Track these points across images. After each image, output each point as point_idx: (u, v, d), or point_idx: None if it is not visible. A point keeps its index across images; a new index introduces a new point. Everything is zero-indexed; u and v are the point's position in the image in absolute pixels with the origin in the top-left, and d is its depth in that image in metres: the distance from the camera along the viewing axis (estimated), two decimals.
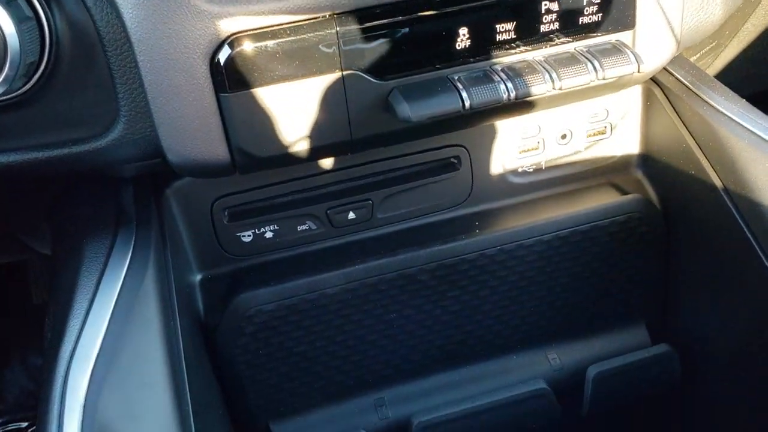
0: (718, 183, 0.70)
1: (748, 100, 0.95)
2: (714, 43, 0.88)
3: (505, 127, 0.75)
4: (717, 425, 0.79)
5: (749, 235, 0.68)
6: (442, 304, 0.75)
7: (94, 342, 0.56)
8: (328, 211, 0.73)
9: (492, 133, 0.75)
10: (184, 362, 0.59)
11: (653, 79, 0.76)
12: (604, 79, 0.61)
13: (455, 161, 0.75)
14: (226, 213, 0.71)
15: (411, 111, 0.58)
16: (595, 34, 0.63)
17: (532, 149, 0.77)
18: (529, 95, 0.60)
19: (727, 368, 0.76)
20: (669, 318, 0.81)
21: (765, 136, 0.68)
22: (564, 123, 0.76)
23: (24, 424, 0.41)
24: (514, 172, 0.77)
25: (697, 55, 0.88)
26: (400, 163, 0.74)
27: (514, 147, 0.76)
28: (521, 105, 0.62)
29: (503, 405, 0.74)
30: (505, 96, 0.60)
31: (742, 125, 0.69)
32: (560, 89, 0.61)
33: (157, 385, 0.56)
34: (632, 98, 0.77)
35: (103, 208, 0.67)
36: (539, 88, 0.60)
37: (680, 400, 0.81)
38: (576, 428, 0.81)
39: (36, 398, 1.43)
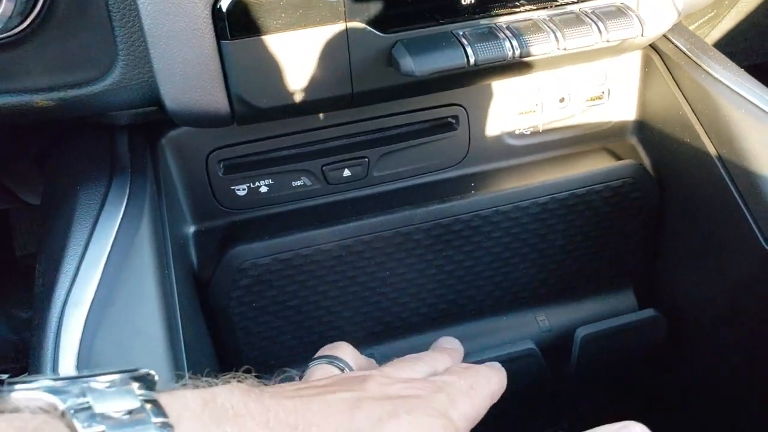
0: (712, 151, 0.71)
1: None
2: (713, 13, 0.88)
3: (504, 87, 0.74)
4: (699, 387, 0.80)
5: (741, 205, 0.68)
6: (435, 264, 0.75)
7: (88, 288, 0.56)
8: (324, 168, 0.72)
9: (491, 94, 0.74)
10: (178, 312, 0.59)
11: (652, 46, 0.76)
12: (607, 41, 0.61)
13: (453, 121, 0.75)
14: (221, 165, 0.70)
15: (415, 65, 0.58)
16: None
17: (530, 111, 0.77)
18: (533, 54, 0.60)
19: (711, 333, 0.77)
20: (657, 284, 0.82)
21: (762, 105, 0.69)
22: (563, 86, 0.76)
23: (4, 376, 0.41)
24: (512, 134, 0.77)
25: (695, 25, 0.88)
26: (398, 122, 0.73)
27: (513, 108, 0.76)
28: (524, 64, 0.62)
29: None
30: (509, 53, 0.59)
31: (739, 94, 0.70)
32: (564, 49, 0.60)
33: (152, 333, 0.55)
34: (631, 64, 0.77)
35: (98, 156, 0.66)
36: (544, 47, 0.60)
37: (664, 363, 0.83)
38: (563, 388, 0.82)
39: (18, 350, 1.42)
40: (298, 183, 0.73)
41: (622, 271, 0.81)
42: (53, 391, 0.36)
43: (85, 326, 0.54)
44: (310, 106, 0.62)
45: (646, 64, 0.77)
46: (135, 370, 0.40)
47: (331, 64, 0.59)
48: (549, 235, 0.77)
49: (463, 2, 0.60)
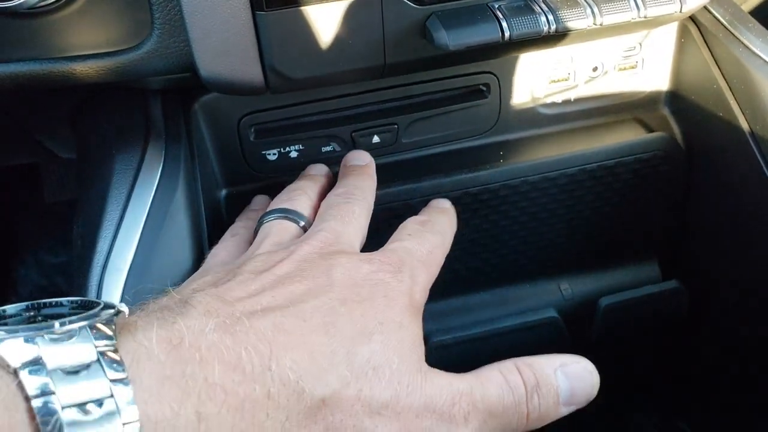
0: (745, 127, 0.70)
1: None
2: None
3: (537, 56, 0.74)
4: (718, 361, 0.82)
5: None
6: (462, 231, 0.76)
7: (126, 255, 0.57)
8: (353, 134, 0.73)
9: (523, 62, 0.74)
10: None
11: (690, 16, 0.75)
12: (645, 17, 0.60)
13: (484, 89, 0.74)
14: (252, 130, 0.71)
15: (449, 38, 0.58)
16: None
17: (562, 80, 0.76)
18: (570, 29, 0.59)
19: (732, 309, 0.78)
20: (681, 256, 0.82)
21: None
22: (596, 55, 0.75)
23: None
24: (543, 103, 0.77)
25: None
26: (428, 89, 0.73)
27: (545, 76, 0.75)
28: (558, 38, 0.61)
29: (514, 330, 0.77)
30: (545, 28, 0.59)
31: None
32: (601, 24, 0.60)
33: None
34: (667, 34, 0.76)
35: (132, 119, 0.67)
36: (580, 22, 0.59)
37: (685, 335, 0.84)
38: (584, 356, 0.84)
39: (49, 294, 1.47)
40: (328, 148, 0.73)
41: (648, 242, 0.82)
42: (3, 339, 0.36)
43: (123, 292, 0.56)
44: (343, 76, 0.62)
45: (683, 34, 0.76)
46: (96, 307, 0.40)
47: (364, 36, 0.59)
48: (576, 205, 0.77)
49: None
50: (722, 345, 0.80)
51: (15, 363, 0.36)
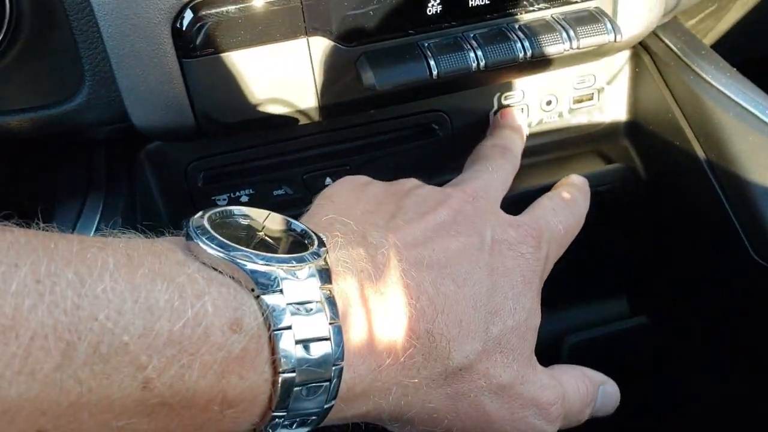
0: (701, 156, 0.68)
1: (755, 64, 0.92)
2: (715, 6, 0.84)
3: (487, 92, 0.73)
4: (688, 398, 0.78)
5: (730, 213, 0.66)
6: None
7: None
8: (305, 176, 0.72)
9: (474, 99, 0.73)
10: None
11: (643, 45, 0.74)
12: (578, 48, 0.60)
13: (436, 127, 0.74)
14: (201, 176, 0.70)
15: (377, 79, 0.57)
16: (573, 1, 0.61)
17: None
18: (500, 64, 0.59)
19: (705, 341, 0.75)
20: (649, 291, 0.80)
21: (751, 108, 0.66)
22: (549, 88, 0.74)
23: None
24: None
25: (696, 19, 0.84)
26: (379, 129, 0.73)
27: (497, 113, 0.74)
28: (489, 74, 0.61)
29: None
30: (474, 64, 0.58)
31: (728, 97, 0.67)
32: (531, 58, 0.59)
33: None
34: (621, 64, 0.75)
35: (76, 172, 0.67)
36: (510, 57, 0.59)
37: (655, 371, 0.81)
38: None
39: None
40: (280, 192, 0.73)
41: (615, 277, 0.80)
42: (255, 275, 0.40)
43: None
44: (278, 120, 0.61)
45: (636, 63, 0.75)
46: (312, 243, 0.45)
47: (295, 79, 0.59)
48: None
49: (428, 12, 0.59)
50: (692, 383, 0.77)
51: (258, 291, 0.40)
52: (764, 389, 0.71)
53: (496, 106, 0.74)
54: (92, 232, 0.61)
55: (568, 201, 0.64)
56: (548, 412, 0.54)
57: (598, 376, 0.62)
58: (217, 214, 0.45)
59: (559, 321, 0.79)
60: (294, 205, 0.74)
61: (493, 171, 0.63)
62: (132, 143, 0.69)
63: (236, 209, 0.47)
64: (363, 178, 0.62)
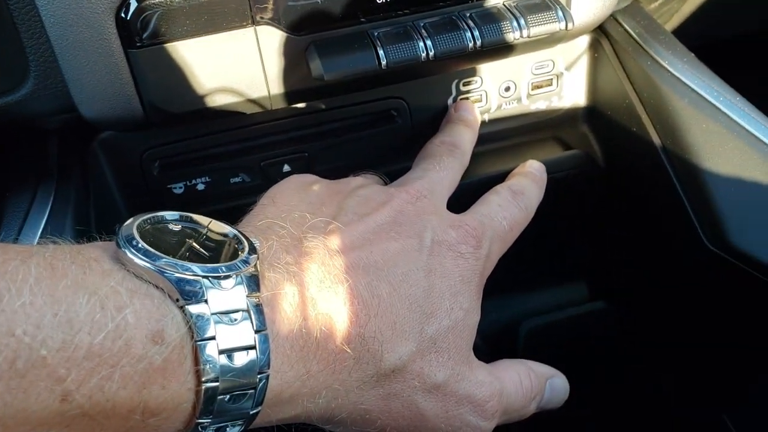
0: (657, 142, 0.68)
1: (721, 45, 0.92)
2: None
3: (445, 79, 0.72)
4: (651, 382, 0.79)
5: (684, 200, 0.66)
6: None
7: None
8: (262, 164, 0.72)
9: (432, 85, 0.73)
10: None
11: (602, 29, 0.74)
12: (529, 37, 0.59)
13: (394, 113, 0.73)
14: (156, 164, 0.70)
15: (324, 68, 0.57)
16: None
17: (475, 101, 0.75)
18: (449, 54, 0.58)
19: (661, 325, 0.76)
20: (608, 275, 0.80)
21: (706, 95, 0.66)
22: (507, 74, 0.74)
23: None
24: None
25: (659, 1, 0.84)
26: (337, 115, 0.72)
27: (456, 99, 0.74)
28: (439, 64, 0.60)
29: None
30: (423, 54, 0.58)
31: (684, 83, 0.67)
32: (481, 47, 0.58)
33: None
34: (580, 49, 0.74)
35: (27, 162, 0.66)
36: (460, 46, 0.58)
37: (613, 356, 0.82)
38: None
39: None
40: (237, 179, 0.72)
41: (574, 262, 0.80)
42: (180, 284, 0.40)
43: None
44: (228, 109, 0.61)
45: (596, 49, 0.74)
46: (243, 249, 0.45)
47: (244, 68, 0.58)
48: None
49: (378, 0, 0.58)
50: (649, 366, 0.78)
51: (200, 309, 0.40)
52: (719, 372, 0.72)
53: (454, 93, 0.73)
54: (42, 223, 0.61)
55: (516, 194, 0.64)
56: (483, 409, 0.54)
57: (545, 370, 0.62)
58: (148, 221, 0.45)
59: (517, 306, 0.80)
60: (252, 193, 0.73)
61: (441, 170, 0.63)
62: (85, 132, 0.68)
63: (168, 214, 0.47)
64: (309, 177, 0.62)
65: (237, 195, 0.73)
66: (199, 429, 0.40)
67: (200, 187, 0.72)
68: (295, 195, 0.57)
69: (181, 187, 0.71)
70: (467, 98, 0.74)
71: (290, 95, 0.61)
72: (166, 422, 0.39)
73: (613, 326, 0.79)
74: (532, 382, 0.59)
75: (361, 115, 0.73)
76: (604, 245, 0.80)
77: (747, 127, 0.64)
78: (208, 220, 0.48)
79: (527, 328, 0.76)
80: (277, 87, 0.60)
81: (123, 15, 0.54)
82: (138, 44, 0.56)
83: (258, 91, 0.60)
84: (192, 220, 0.47)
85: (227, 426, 0.41)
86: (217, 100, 0.60)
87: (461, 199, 0.64)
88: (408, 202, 0.57)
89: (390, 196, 0.57)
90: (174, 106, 0.59)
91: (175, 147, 0.70)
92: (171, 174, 0.70)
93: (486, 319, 0.80)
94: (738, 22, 0.99)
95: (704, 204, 0.64)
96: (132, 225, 0.43)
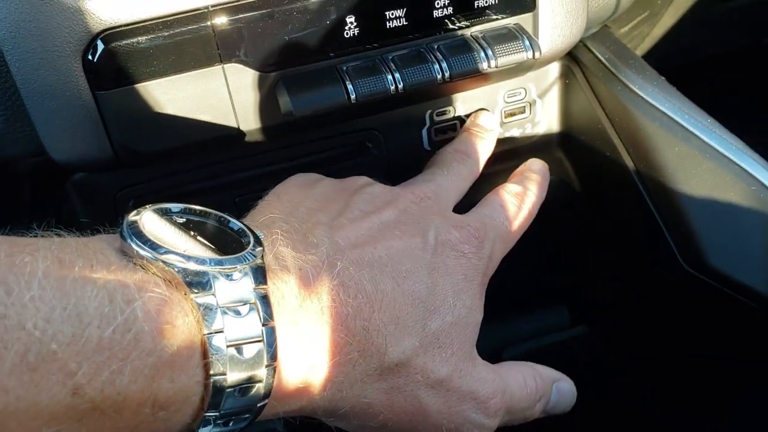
0: (630, 166, 0.69)
1: (690, 68, 0.93)
2: (647, 13, 0.85)
3: (418, 109, 0.73)
4: (634, 405, 0.79)
5: (660, 223, 0.66)
6: None
7: None
8: (237, 200, 0.72)
9: (405, 116, 0.73)
10: None
11: (572, 56, 0.74)
12: (497, 67, 0.59)
13: (369, 145, 0.73)
14: (131, 204, 0.69)
15: (293, 104, 0.57)
16: (493, 18, 0.61)
17: (450, 131, 0.75)
18: (418, 86, 0.59)
19: (643, 348, 0.75)
20: (589, 299, 0.80)
21: (677, 118, 0.67)
22: (480, 103, 0.74)
23: None
24: (431, 154, 0.75)
25: (629, 26, 0.85)
26: (311, 149, 0.72)
27: (431, 129, 0.74)
28: (407, 97, 0.60)
29: None
30: (392, 87, 0.58)
31: (655, 107, 0.68)
32: (450, 79, 0.59)
33: None
34: (551, 76, 0.75)
35: (1, 205, 0.66)
36: (428, 78, 0.59)
37: (597, 381, 0.81)
38: None
39: None
40: None
41: (555, 288, 0.80)
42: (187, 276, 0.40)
43: None
44: (198, 147, 0.61)
45: (567, 75, 0.75)
46: (247, 242, 0.45)
47: (213, 106, 0.58)
48: None
49: (346, 36, 0.58)
50: (633, 392, 0.78)
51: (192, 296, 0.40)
52: (704, 388, 0.72)
53: (428, 122, 0.74)
54: None
55: (518, 195, 0.64)
56: (486, 406, 0.54)
57: (551, 373, 0.62)
58: (154, 212, 0.45)
59: (499, 333, 0.79)
60: None
61: (448, 175, 0.64)
62: (58, 174, 0.67)
63: (173, 206, 0.47)
64: (314, 175, 0.63)
65: None
66: (208, 422, 0.40)
67: None
68: (300, 192, 0.58)
69: None
70: (441, 127, 0.74)
71: (261, 132, 0.61)
72: (176, 415, 0.39)
73: (596, 351, 0.78)
74: (537, 383, 0.59)
75: (335, 148, 0.73)
76: (584, 269, 0.80)
77: (719, 148, 0.65)
78: (213, 212, 0.48)
79: (510, 356, 0.75)
80: (247, 124, 0.60)
81: (90, 57, 0.54)
82: (106, 86, 0.55)
83: (228, 129, 0.60)
84: (197, 213, 0.48)
85: (236, 418, 0.42)
86: (187, 139, 0.60)
87: None
88: (413, 202, 0.58)
89: (396, 195, 0.58)
90: (144, 146, 0.59)
91: (148, 186, 0.69)
92: None
93: None
94: (708, 44, 1.01)
95: (680, 226, 0.65)
96: (137, 216, 0.43)
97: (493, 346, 0.79)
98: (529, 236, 0.76)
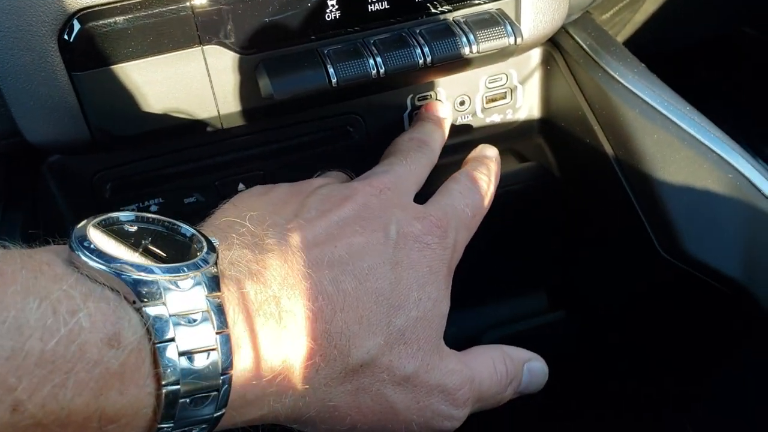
0: (610, 152, 0.69)
1: (671, 56, 0.94)
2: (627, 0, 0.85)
3: (399, 93, 0.72)
4: (612, 388, 0.80)
5: (637, 209, 0.67)
6: None
7: None
8: (217, 183, 0.71)
9: (386, 100, 0.72)
10: None
11: (554, 42, 0.74)
12: (478, 52, 0.59)
13: (350, 129, 0.73)
14: (108, 187, 0.69)
15: (274, 88, 0.56)
16: (475, 3, 0.61)
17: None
18: (399, 70, 0.58)
19: (620, 332, 0.76)
20: (568, 284, 0.81)
21: (657, 105, 0.67)
22: (462, 88, 0.74)
23: None
24: None
25: (611, 12, 0.85)
26: (292, 132, 0.72)
27: (412, 114, 0.74)
28: (389, 80, 0.60)
29: None
30: (373, 71, 0.58)
31: (635, 94, 0.68)
32: (431, 64, 0.58)
33: None
34: (533, 62, 0.75)
35: None
36: (410, 63, 0.58)
37: (576, 365, 0.82)
38: None
39: None
40: (191, 200, 0.71)
41: (533, 273, 0.80)
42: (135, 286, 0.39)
43: None
44: (177, 130, 0.60)
45: (548, 61, 0.75)
46: (201, 248, 0.44)
47: (192, 88, 0.58)
48: None
49: (327, 18, 0.58)
50: (611, 374, 0.79)
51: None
52: (677, 375, 0.73)
53: (409, 107, 0.73)
54: None
55: (475, 181, 0.63)
56: (455, 397, 0.54)
57: (522, 354, 0.61)
58: (102, 222, 0.44)
59: (478, 319, 0.80)
60: (206, 212, 0.73)
61: (407, 164, 0.62)
62: (33, 156, 0.66)
63: (123, 215, 0.46)
64: (270, 185, 0.62)
65: (191, 215, 0.71)
66: None
67: (153, 208, 0.71)
68: (256, 199, 0.57)
69: (134, 209, 0.70)
70: None
71: (241, 115, 0.61)
72: (126, 429, 0.38)
73: (574, 335, 0.79)
74: (507, 366, 0.58)
75: (316, 132, 0.72)
76: (563, 254, 0.80)
77: (697, 136, 0.65)
78: (166, 219, 0.47)
79: (489, 341, 0.76)
80: (227, 107, 0.59)
81: (66, 37, 0.53)
82: (82, 67, 0.54)
83: (207, 112, 0.59)
84: (149, 220, 0.46)
85: (191, 429, 0.40)
86: (166, 122, 0.59)
87: None
88: (372, 195, 0.56)
89: (354, 190, 0.57)
90: (122, 129, 0.58)
91: (126, 168, 0.68)
92: (123, 196, 0.69)
93: (447, 333, 0.80)
94: (691, 30, 1.01)
95: (657, 213, 0.65)
96: (86, 227, 0.42)
97: (472, 331, 0.79)
98: (508, 221, 0.76)
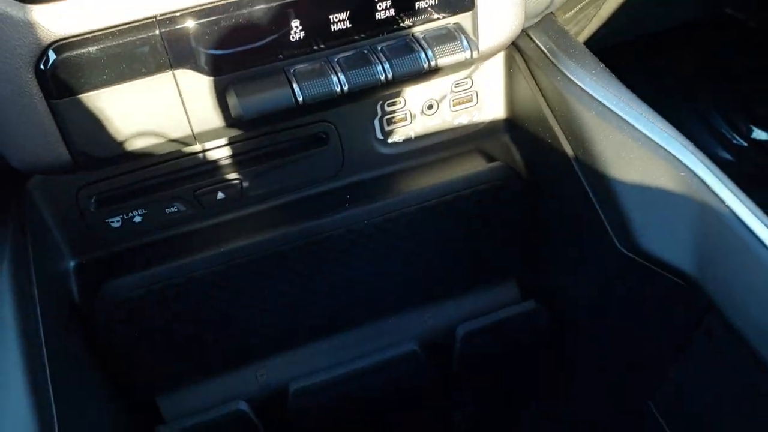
0: (570, 153, 0.72)
1: (635, 43, 0.96)
2: None
3: (370, 101, 0.75)
4: (581, 375, 0.84)
5: (597, 206, 0.70)
6: (315, 279, 0.78)
7: None
8: (196, 193, 0.74)
9: (358, 108, 0.75)
10: (46, 356, 0.62)
11: (515, 45, 0.77)
12: (437, 67, 0.62)
13: (324, 136, 0.76)
14: (92, 200, 0.72)
15: (242, 108, 0.59)
16: (434, 18, 0.64)
17: (401, 120, 0.78)
18: (363, 87, 0.61)
19: (587, 322, 0.80)
20: (537, 275, 0.84)
21: (613, 107, 0.69)
22: (429, 93, 0.77)
23: None
24: (384, 144, 0.79)
25: (574, 10, 0.87)
26: (267, 142, 0.75)
27: (383, 120, 0.77)
28: (352, 96, 0.62)
29: (375, 368, 0.79)
30: (338, 89, 0.60)
31: (591, 96, 0.70)
32: (393, 80, 0.61)
33: (13, 387, 0.58)
34: (496, 65, 0.78)
35: None
36: (372, 80, 0.61)
37: (549, 353, 0.86)
38: (451, 385, 0.86)
39: None
40: (172, 209, 0.75)
41: (504, 265, 0.84)
42: None
43: None
44: (154, 149, 0.63)
45: (509, 64, 0.78)
46: None
47: (165, 111, 0.60)
48: (425, 241, 0.79)
49: (291, 39, 0.61)
50: (580, 361, 0.83)
51: None
52: (637, 363, 0.76)
53: (380, 113, 0.76)
54: None
55: None
56: None
57: None
58: None
59: (452, 311, 0.83)
60: (188, 221, 0.76)
61: None
62: (18, 174, 0.69)
63: None
64: None
65: (173, 224, 0.75)
66: None
67: (137, 219, 0.74)
68: None
69: (118, 221, 0.73)
70: (392, 117, 0.77)
71: (215, 132, 0.64)
72: None
73: (544, 324, 0.83)
74: None
75: (291, 140, 0.75)
76: (531, 248, 0.83)
77: (651, 136, 0.68)
78: None
79: (463, 332, 0.80)
80: (200, 126, 0.62)
81: (42, 67, 0.56)
82: (60, 95, 0.57)
83: (182, 131, 0.62)
84: None
85: None
86: (142, 143, 0.62)
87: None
88: None
89: None
90: (101, 151, 0.61)
91: (109, 183, 0.72)
92: (107, 209, 0.72)
93: (423, 326, 0.84)
94: (655, 19, 1.03)
95: (614, 210, 0.68)
96: None
97: (447, 323, 0.83)
98: (477, 219, 0.80)
